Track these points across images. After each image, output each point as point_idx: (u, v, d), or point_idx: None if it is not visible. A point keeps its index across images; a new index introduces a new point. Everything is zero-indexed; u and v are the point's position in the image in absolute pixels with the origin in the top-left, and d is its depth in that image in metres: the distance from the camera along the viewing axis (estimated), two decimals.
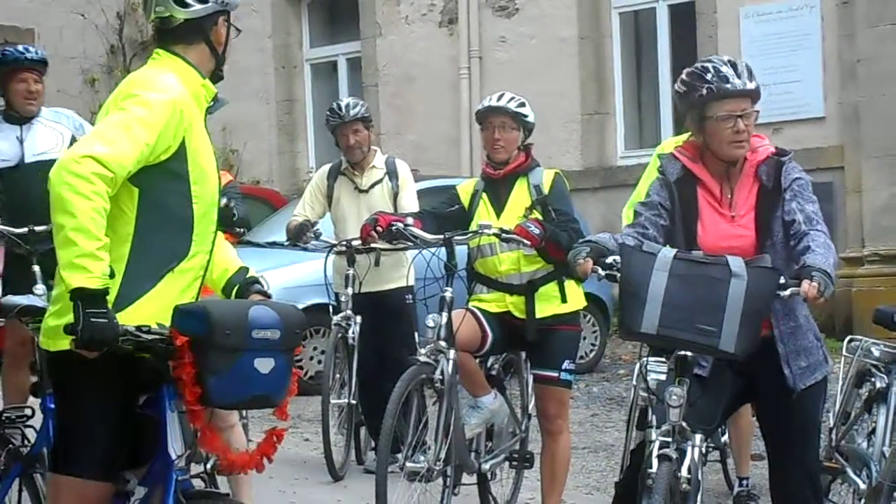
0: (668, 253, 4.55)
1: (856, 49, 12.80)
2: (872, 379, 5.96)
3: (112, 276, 3.79)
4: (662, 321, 4.44)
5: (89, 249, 3.69)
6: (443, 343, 6.05)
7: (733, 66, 4.76)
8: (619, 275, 4.57)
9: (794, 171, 4.80)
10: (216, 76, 4.23)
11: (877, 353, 5.96)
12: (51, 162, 7.10)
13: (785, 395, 4.77)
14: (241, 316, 3.79)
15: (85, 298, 3.67)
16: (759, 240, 4.75)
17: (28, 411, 5.27)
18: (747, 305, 4.40)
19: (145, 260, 3.97)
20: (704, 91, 4.73)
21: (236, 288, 4.30)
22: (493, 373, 6.52)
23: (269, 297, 4.26)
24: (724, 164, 4.82)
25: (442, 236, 6.24)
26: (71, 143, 7.22)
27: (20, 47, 7.45)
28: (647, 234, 4.78)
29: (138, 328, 3.75)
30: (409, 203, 7.86)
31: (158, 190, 3.97)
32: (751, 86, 4.74)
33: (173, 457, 3.87)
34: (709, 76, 4.74)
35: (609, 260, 4.61)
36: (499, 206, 6.35)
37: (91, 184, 3.74)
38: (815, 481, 4.94)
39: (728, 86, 4.71)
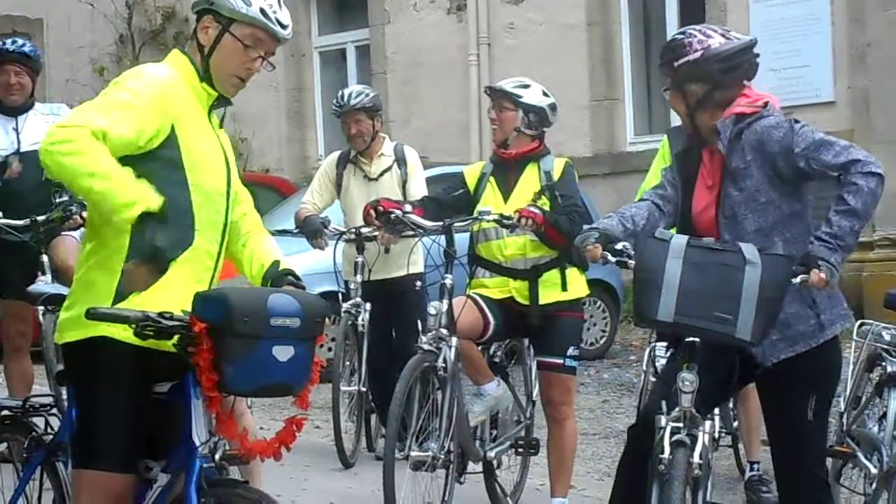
0: (680, 239, 4.54)
1: (865, 33, 12.75)
2: (883, 363, 5.95)
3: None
4: (679, 309, 4.44)
5: (123, 185, 3.77)
6: (444, 331, 6.05)
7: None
8: (629, 261, 4.57)
9: (770, 131, 4.64)
10: (207, 78, 4.12)
11: (888, 338, 5.95)
12: None
13: (757, 369, 4.71)
14: (260, 303, 3.78)
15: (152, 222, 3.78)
16: (716, 209, 4.70)
17: (52, 399, 5.27)
18: (762, 293, 4.40)
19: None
20: None
21: (270, 282, 4.26)
22: (496, 360, 6.51)
23: (302, 288, 4.20)
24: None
25: (442, 223, 6.23)
26: None
27: (8, 40, 7.60)
28: (666, 195, 4.83)
29: (160, 314, 3.76)
30: (418, 190, 7.83)
31: (155, 179, 3.94)
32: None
33: (197, 444, 3.87)
34: None
35: (619, 246, 4.60)
36: (506, 190, 6.32)
37: (75, 141, 3.76)
38: (816, 475, 4.80)
39: None
